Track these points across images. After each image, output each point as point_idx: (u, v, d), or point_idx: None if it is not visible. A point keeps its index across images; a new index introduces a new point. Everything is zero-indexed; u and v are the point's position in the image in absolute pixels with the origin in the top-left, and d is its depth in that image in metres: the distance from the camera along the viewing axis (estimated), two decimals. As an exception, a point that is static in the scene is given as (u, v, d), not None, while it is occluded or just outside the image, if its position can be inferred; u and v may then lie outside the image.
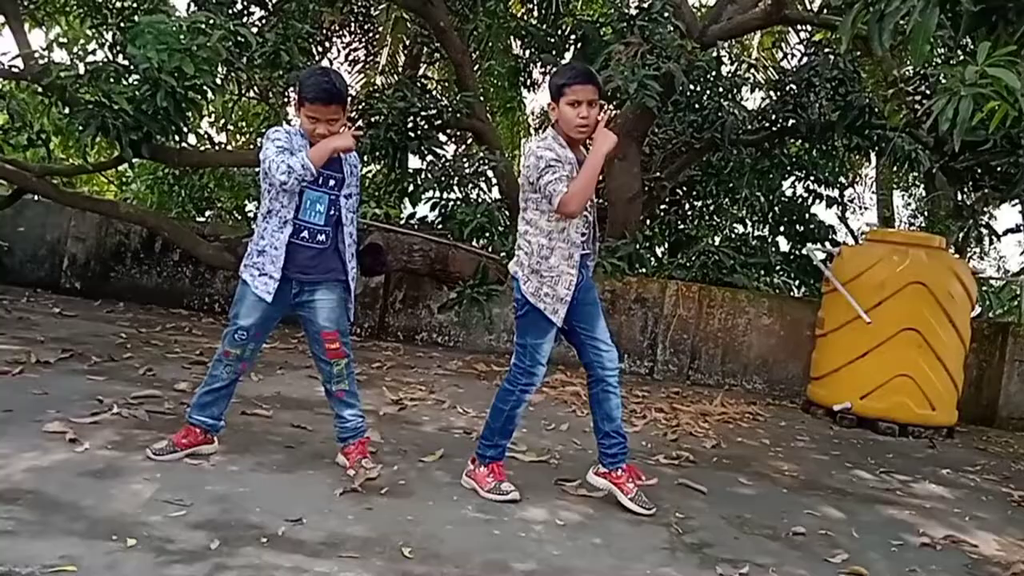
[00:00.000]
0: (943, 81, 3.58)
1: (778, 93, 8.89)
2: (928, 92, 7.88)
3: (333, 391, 3.48)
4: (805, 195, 10.32)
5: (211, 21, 6.02)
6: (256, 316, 3.36)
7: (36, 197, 7.61)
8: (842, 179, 11.19)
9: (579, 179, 3.27)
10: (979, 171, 7.87)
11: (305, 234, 3.33)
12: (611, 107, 10.05)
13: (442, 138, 9.02)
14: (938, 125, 3.43)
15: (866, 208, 15.68)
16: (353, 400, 3.51)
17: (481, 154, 8.31)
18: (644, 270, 8.01)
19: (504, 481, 3.39)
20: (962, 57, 6.25)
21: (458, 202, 8.09)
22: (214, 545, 2.57)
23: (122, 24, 7.77)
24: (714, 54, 8.37)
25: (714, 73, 8.43)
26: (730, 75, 8.94)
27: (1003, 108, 3.26)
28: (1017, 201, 8.45)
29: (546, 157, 3.27)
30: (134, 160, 6.64)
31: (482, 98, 9.95)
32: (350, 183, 3.42)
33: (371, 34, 11.58)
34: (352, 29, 11.23)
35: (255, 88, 9.71)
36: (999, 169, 7.50)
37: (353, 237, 3.47)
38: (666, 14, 7.58)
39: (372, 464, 3.41)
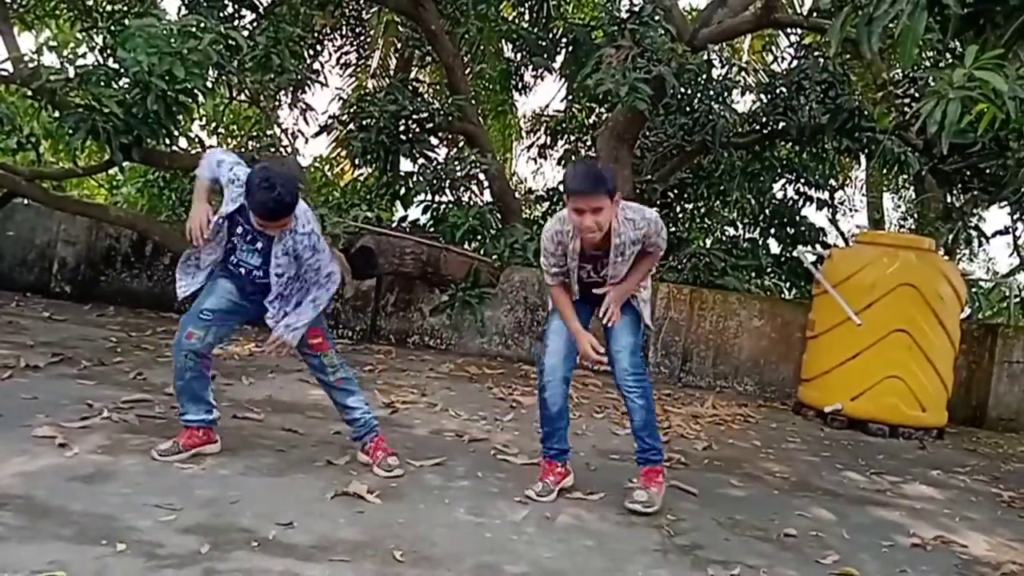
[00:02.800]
0: (931, 84, 3.60)
1: (768, 96, 8.93)
2: (917, 95, 7.92)
3: (332, 382, 3.54)
4: (795, 197, 10.36)
5: (202, 24, 6.01)
6: (218, 301, 3.41)
7: (26, 201, 7.58)
8: (832, 181, 11.23)
9: (565, 307, 3.51)
10: (968, 173, 7.92)
11: (242, 271, 3.41)
12: (602, 110, 10.10)
13: (434, 141, 9.02)
14: (927, 128, 3.45)
15: (856, 210, 15.74)
16: (352, 387, 3.60)
17: (473, 157, 8.31)
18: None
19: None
20: (950, 60, 6.29)
21: (450, 205, 8.10)
22: (204, 549, 2.57)
23: (112, 27, 7.76)
24: (705, 57, 8.40)
25: (705, 76, 8.46)
26: (721, 78, 8.98)
27: (991, 111, 3.28)
28: (1006, 203, 8.50)
29: (545, 245, 3.49)
30: (124, 164, 6.59)
31: (473, 101, 9.95)
32: (280, 263, 3.30)
33: (362, 37, 11.57)
34: (343, 32, 11.23)
35: (246, 91, 9.68)
36: (988, 171, 7.55)
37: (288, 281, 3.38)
38: (657, 18, 7.62)
39: (398, 462, 3.53)
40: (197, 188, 3.43)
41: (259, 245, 3.33)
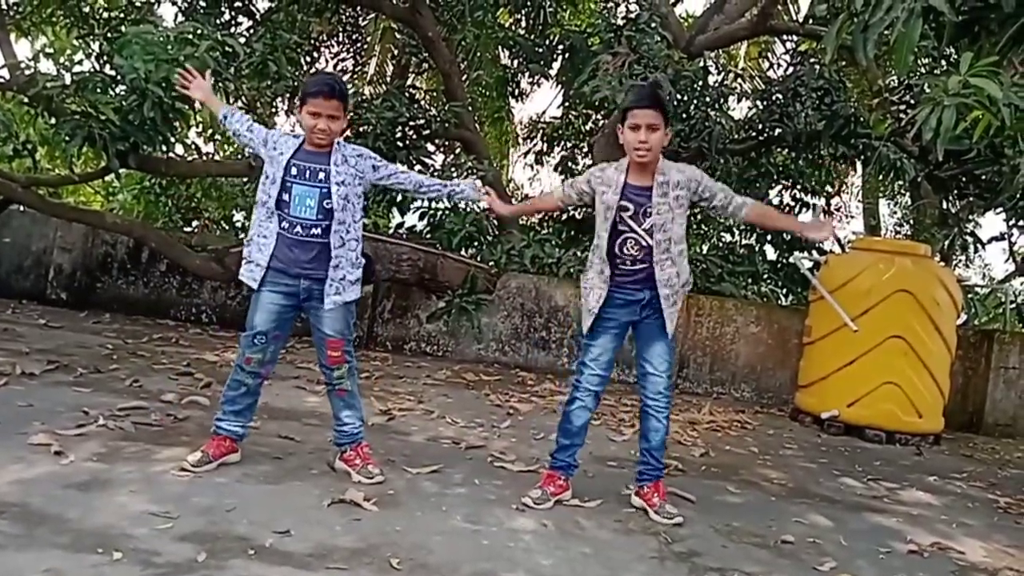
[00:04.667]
0: (927, 91, 3.62)
1: (764, 103, 8.96)
2: (913, 102, 7.95)
3: (335, 390, 3.57)
4: (792, 204, 10.38)
5: (198, 31, 6.01)
6: (268, 317, 3.41)
7: (22, 208, 7.57)
8: (828, 188, 11.27)
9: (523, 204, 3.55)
10: (963, 180, 7.95)
11: (298, 229, 3.39)
12: (599, 116, 10.12)
13: (430, 148, 9.04)
14: (922, 134, 3.46)
15: (852, 216, 15.81)
16: (354, 402, 3.60)
17: (469, 164, 8.32)
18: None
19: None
20: (946, 67, 6.32)
21: (446, 212, 8.10)
22: (201, 558, 2.56)
23: (109, 34, 7.77)
24: (701, 64, 8.44)
25: (701, 83, 8.48)
26: (717, 85, 9.01)
27: (986, 118, 3.29)
28: (1001, 209, 8.52)
29: (581, 177, 3.59)
30: (121, 170, 6.60)
31: (470, 108, 9.97)
32: (339, 171, 3.40)
33: (359, 44, 11.61)
34: (340, 39, 11.26)
35: (243, 98, 9.70)
36: (983, 178, 7.58)
37: (343, 224, 3.40)
38: (653, 24, 7.64)
39: (378, 469, 3.53)
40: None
41: (320, 175, 3.37)
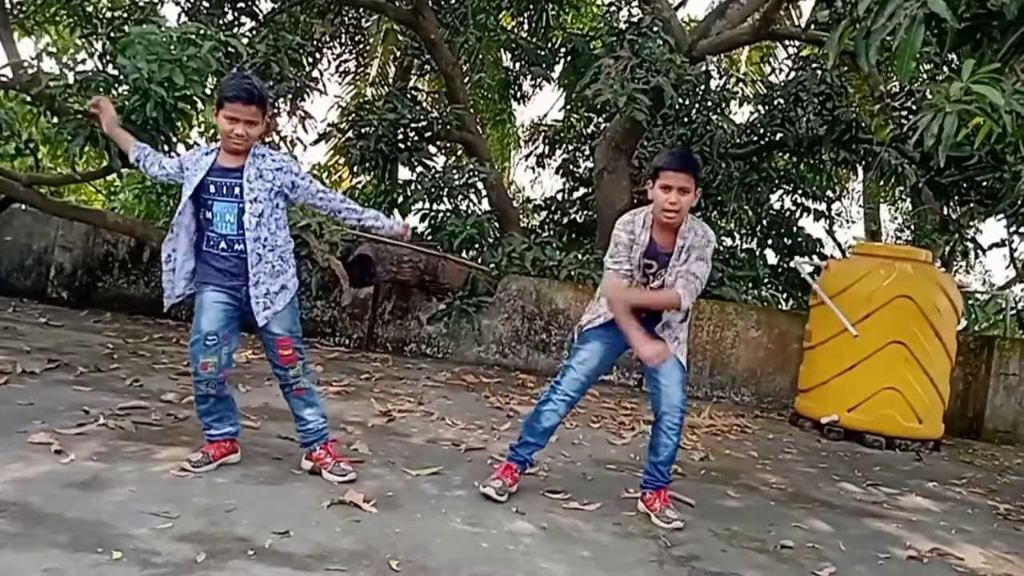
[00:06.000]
0: (929, 97, 3.62)
1: (766, 107, 8.97)
2: (915, 107, 7.96)
3: (292, 390, 3.51)
4: (793, 208, 10.40)
5: (201, 32, 6.01)
6: (215, 316, 3.35)
7: (24, 206, 7.57)
8: (829, 193, 11.28)
9: (623, 302, 3.43)
10: (964, 186, 7.95)
11: (223, 245, 3.36)
12: (600, 120, 10.13)
13: (432, 150, 9.05)
14: (924, 140, 3.46)
15: (853, 222, 15.83)
16: (312, 399, 3.56)
17: (471, 166, 8.34)
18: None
19: None
20: (947, 74, 6.32)
21: (448, 213, 8.11)
22: (200, 558, 2.56)
23: (112, 34, 7.76)
24: (703, 68, 8.45)
25: (703, 87, 8.50)
26: (719, 89, 9.03)
27: (987, 124, 3.29)
28: (1002, 216, 8.53)
29: (617, 233, 3.47)
30: (122, 170, 6.59)
31: (472, 110, 9.99)
32: (253, 187, 3.32)
33: (362, 46, 11.62)
34: (343, 41, 11.27)
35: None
36: (984, 184, 7.58)
37: (258, 240, 3.34)
38: (655, 28, 7.65)
39: (351, 467, 3.49)
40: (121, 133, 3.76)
41: (236, 190, 3.32)
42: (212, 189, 3.34)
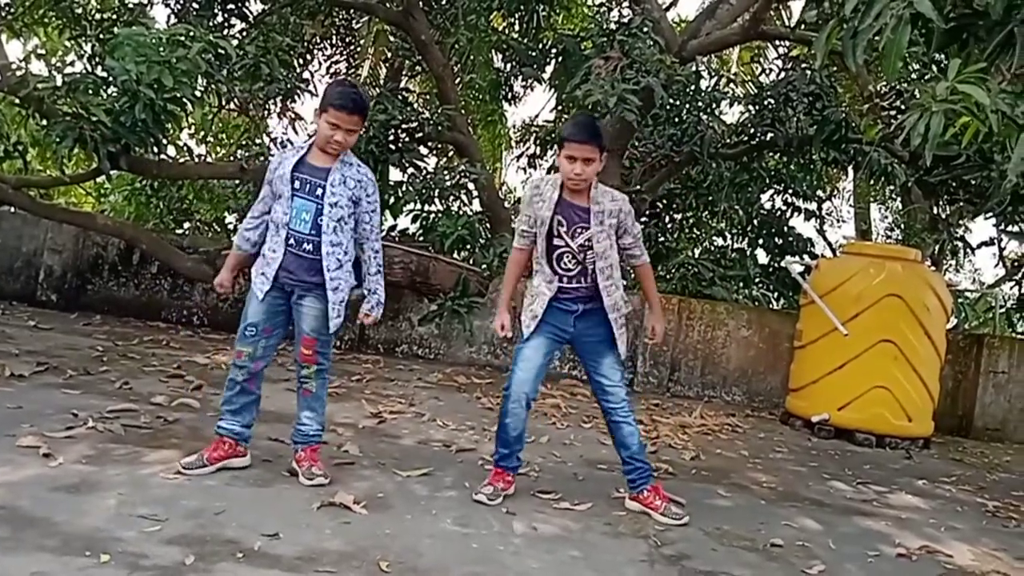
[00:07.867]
0: (916, 97, 3.64)
1: (756, 107, 8.98)
2: (902, 107, 7.99)
3: (301, 388, 3.58)
4: (783, 208, 10.42)
5: (191, 33, 6.00)
6: (259, 308, 3.44)
7: (12, 209, 7.54)
8: (820, 192, 11.31)
9: (512, 278, 3.73)
10: (953, 185, 7.98)
11: (292, 242, 3.40)
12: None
13: (423, 151, 9.02)
14: (911, 140, 3.47)
15: (843, 221, 15.89)
16: (316, 405, 3.59)
17: (462, 167, 8.31)
18: (624, 282, 8.03)
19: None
20: (934, 73, 6.35)
21: (439, 214, 8.09)
22: (189, 561, 2.55)
23: (101, 36, 7.74)
24: (693, 69, 8.45)
25: (693, 87, 8.51)
26: (709, 89, 9.03)
27: (974, 124, 3.31)
28: (990, 214, 8.57)
29: (526, 193, 3.61)
30: (112, 172, 6.57)
31: (463, 111, 9.98)
32: (335, 192, 3.39)
33: (352, 47, 11.60)
34: (333, 42, 11.24)
35: (235, 100, 9.68)
36: (973, 183, 7.61)
37: (338, 245, 3.42)
38: (645, 29, 7.64)
39: (321, 471, 3.49)
40: (229, 258, 3.69)
41: (318, 192, 3.37)
42: (297, 185, 3.39)
